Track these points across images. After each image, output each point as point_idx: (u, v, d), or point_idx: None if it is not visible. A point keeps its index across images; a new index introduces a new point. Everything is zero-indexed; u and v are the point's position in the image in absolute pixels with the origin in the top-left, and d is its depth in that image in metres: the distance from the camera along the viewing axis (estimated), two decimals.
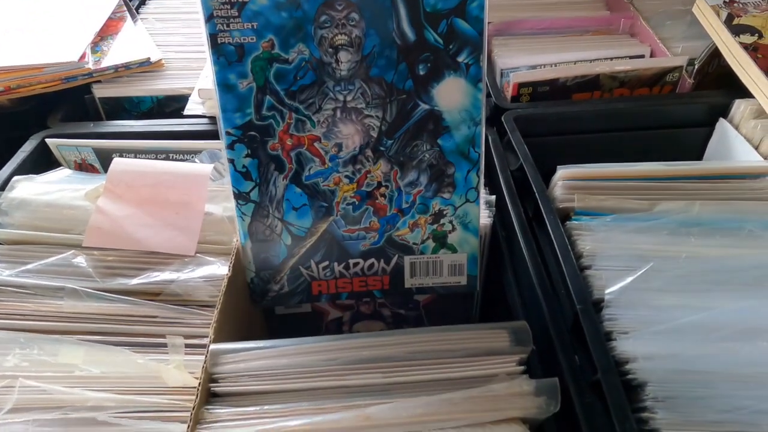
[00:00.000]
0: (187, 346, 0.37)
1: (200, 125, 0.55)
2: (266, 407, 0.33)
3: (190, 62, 0.64)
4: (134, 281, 0.40)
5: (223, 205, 0.47)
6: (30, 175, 0.45)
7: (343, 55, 0.38)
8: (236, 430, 0.31)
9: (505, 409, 0.32)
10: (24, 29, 0.60)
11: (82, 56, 0.57)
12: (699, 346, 0.34)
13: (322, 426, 0.32)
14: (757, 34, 0.53)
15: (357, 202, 0.43)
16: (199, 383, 0.34)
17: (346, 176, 0.42)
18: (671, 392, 0.32)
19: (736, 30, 0.53)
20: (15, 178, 0.45)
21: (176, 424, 0.33)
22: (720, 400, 0.31)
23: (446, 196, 0.44)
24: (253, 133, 0.40)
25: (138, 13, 0.71)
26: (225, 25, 0.37)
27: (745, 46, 0.52)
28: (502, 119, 0.56)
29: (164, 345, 0.38)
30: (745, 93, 0.52)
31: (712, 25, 0.55)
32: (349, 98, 0.40)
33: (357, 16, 0.37)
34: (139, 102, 0.60)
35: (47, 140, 0.51)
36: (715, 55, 0.58)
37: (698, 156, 0.57)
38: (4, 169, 0.48)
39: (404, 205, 0.44)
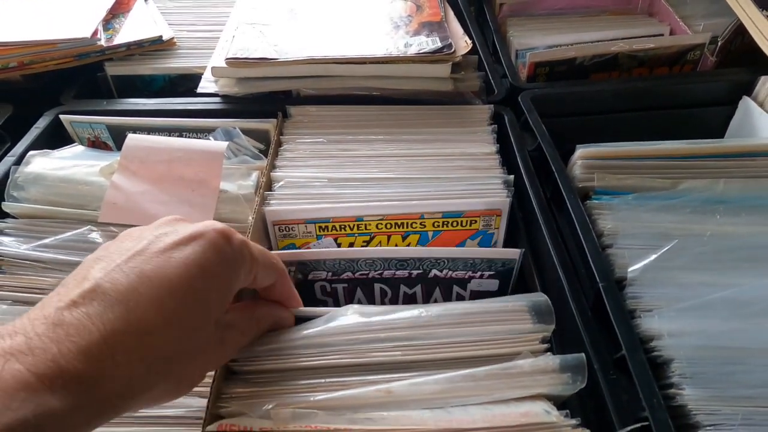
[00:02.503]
0: None
1: (214, 104, 0.55)
2: (285, 384, 0.33)
3: (202, 41, 0.63)
4: None
5: (238, 183, 0.46)
6: (45, 150, 0.45)
7: None
8: (256, 405, 0.31)
9: (529, 386, 0.31)
10: (37, 5, 0.59)
11: (95, 33, 0.56)
12: (726, 322, 0.33)
13: (343, 401, 0.31)
14: None
15: None
16: None
17: None
18: (699, 368, 0.31)
19: (763, 4, 0.52)
20: (30, 153, 0.45)
21: (196, 399, 0.33)
22: (750, 375, 0.31)
23: None
24: None
25: None
26: None
27: None
28: (519, 99, 0.55)
29: None
30: None
31: (737, 0, 0.53)
32: None
33: None
34: (151, 80, 0.60)
35: (61, 116, 0.50)
36: (738, 32, 0.56)
37: (720, 135, 0.55)
38: (19, 144, 0.48)
39: None
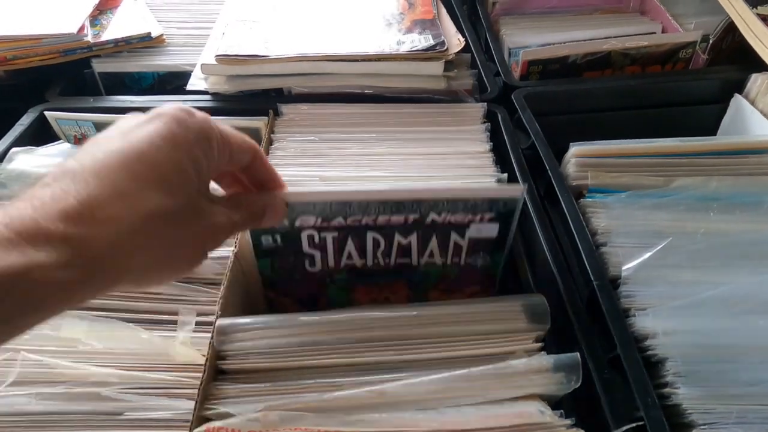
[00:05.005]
0: None
1: (203, 101, 0.54)
2: (275, 384, 0.32)
3: (192, 38, 0.62)
4: None
5: None
6: (29, 147, 0.44)
7: None
8: (245, 407, 0.30)
9: (523, 386, 0.31)
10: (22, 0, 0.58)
11: (81, 29, 0.55)
12: (720, 320, 0.33)
13: (334, 402, 0.31)
14: None
15: None
16: (207, 360, 0.33)
17: None
18: (693, 367, 0.31)
19: (753, 1, 0.52)
20: (13, 149, 0.44)
21: (183, 401, 0.32)
22: (744, 373, 0.30)
23: None
24: None
25: None
26: None
27: (763, 17, 0.50)
28: (512, 97, 0.55)
29: (169, 322, 0.37)
30: (761, 67, 0.51)
31: None
32: None
33: None
34: (140, 78, 0.59)
35: (46, 113, 0.49)
36: (729, 29, 0.57)
37: (712, 133, 0.56)
38: (1, 141, 0.47)
39: None
